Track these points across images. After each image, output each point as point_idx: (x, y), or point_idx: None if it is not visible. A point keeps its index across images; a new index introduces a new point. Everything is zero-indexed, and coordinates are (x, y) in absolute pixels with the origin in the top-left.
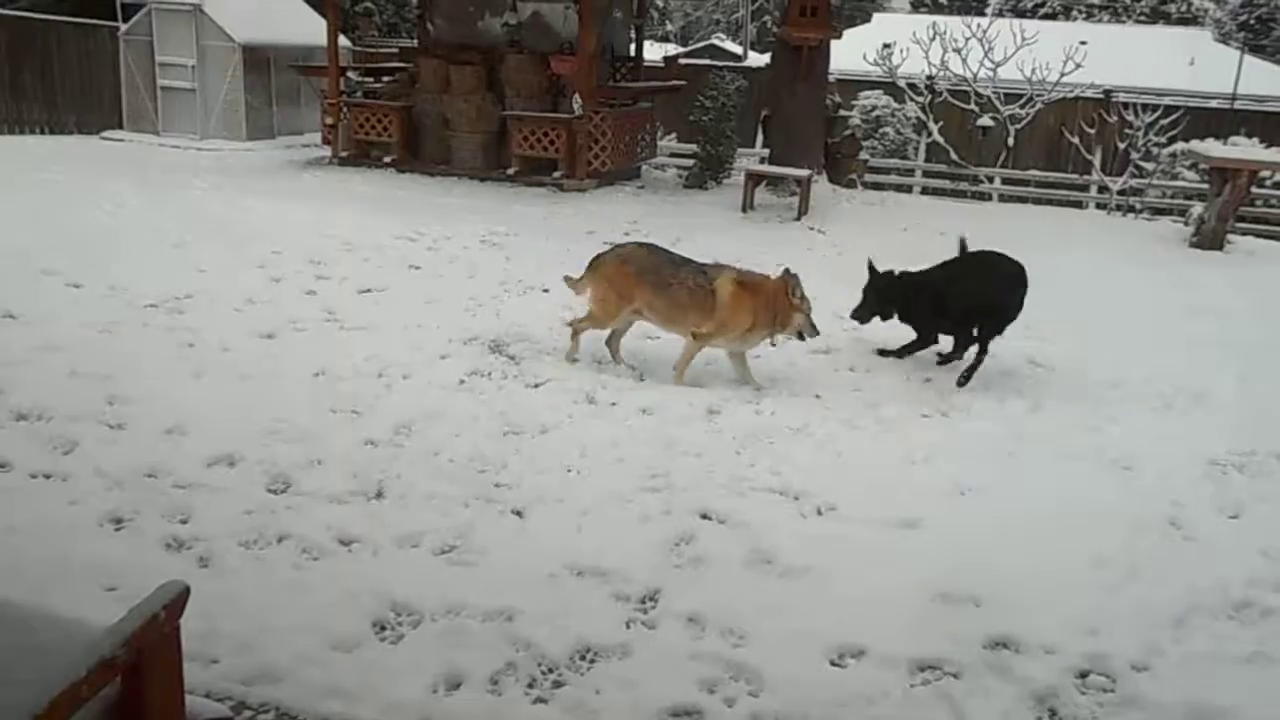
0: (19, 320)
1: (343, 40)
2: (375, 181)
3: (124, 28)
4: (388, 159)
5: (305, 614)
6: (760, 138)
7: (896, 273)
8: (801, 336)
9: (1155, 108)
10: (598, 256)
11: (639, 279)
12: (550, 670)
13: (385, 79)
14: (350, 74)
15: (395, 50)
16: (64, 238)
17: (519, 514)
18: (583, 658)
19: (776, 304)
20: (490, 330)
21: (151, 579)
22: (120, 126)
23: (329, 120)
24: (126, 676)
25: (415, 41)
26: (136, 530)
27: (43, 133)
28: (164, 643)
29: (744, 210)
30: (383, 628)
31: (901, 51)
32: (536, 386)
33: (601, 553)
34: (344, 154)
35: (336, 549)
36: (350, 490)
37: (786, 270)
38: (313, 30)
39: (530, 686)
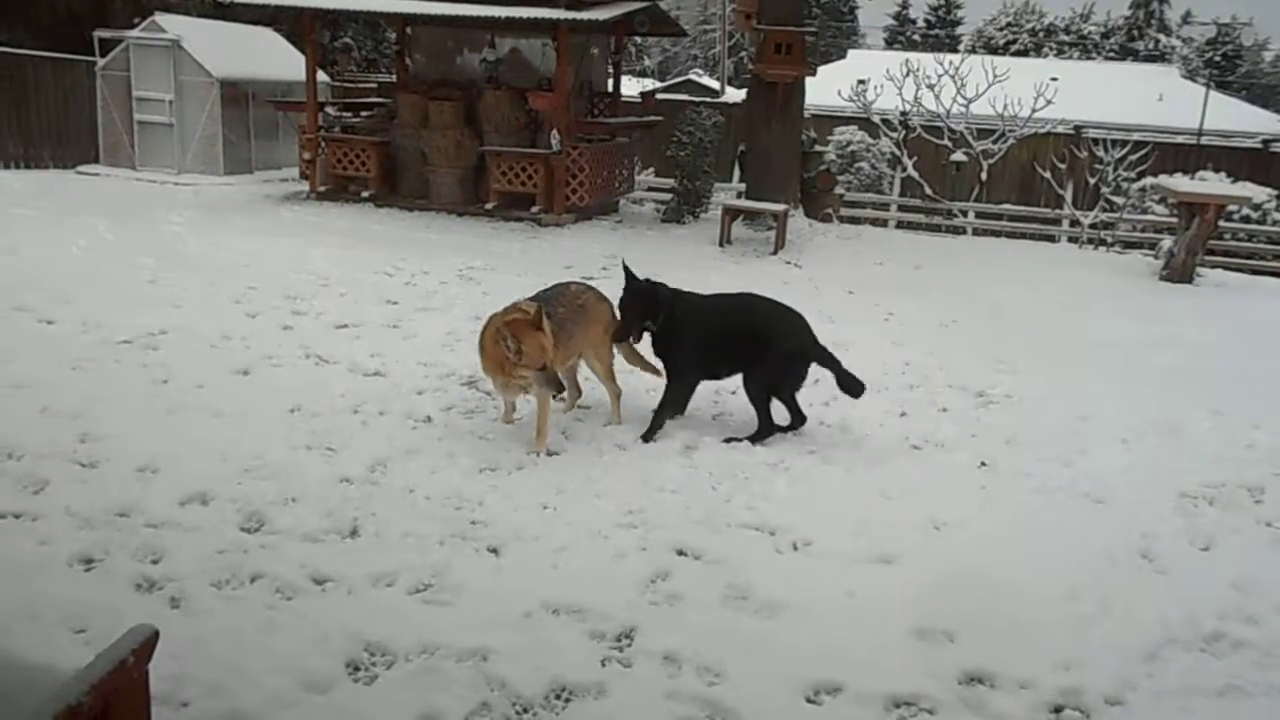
0: None
1: (321, 75)
2: (353, 216)
3: (101, 63)
4: (366, 194)
5: (278, 655)
6: (737, 173)
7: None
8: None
9: (1124, 143)
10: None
11: None
12: (525, 710)
13: (363, 114)
14: (328, 109)
15: (374, 85)
16: (37, 273)
17: (495, 551)
18: (558, 697)
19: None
20: (467, 365)
21: (122, 620)
22: (97, 161)
23: (306, 155)
24: None
25: (394, 77)
26: (107, 571)
27: (18, 167)
28: (132, 688)
29: (721, 245)
30: (356, 668)
31: (876, 88)
32: (513, 422)
33: (577, 590)
34: (322, 189)
35: (310, 588)
36: (324, 528)
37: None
38: (291, 65)
39: None
